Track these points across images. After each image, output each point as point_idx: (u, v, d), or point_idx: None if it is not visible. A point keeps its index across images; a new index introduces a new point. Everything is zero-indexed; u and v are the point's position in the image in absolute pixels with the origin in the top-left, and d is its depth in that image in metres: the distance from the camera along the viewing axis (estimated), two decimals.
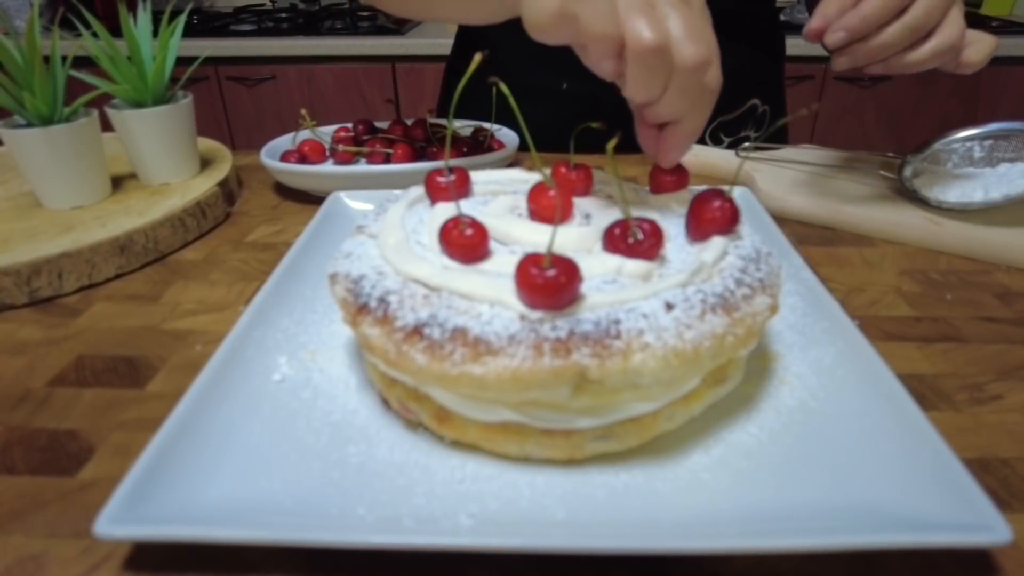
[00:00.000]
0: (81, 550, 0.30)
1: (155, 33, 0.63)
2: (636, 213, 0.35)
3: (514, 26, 0.94)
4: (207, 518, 0.28)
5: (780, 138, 0.86)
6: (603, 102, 0.81)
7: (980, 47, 0.51)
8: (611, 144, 0.33)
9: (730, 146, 0.72)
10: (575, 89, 0.82)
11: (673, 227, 0.38)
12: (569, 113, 0.73)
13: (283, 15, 2.15)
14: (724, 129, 0.71)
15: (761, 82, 0.63)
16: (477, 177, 0.44)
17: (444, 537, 0.28)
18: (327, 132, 0.75)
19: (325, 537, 0.27)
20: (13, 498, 0.33)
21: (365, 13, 2.11)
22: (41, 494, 0.33)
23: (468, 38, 0.93)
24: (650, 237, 0.33)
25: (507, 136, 0.74)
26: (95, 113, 0.60)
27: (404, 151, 0.68)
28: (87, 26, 0.61)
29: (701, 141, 0.73)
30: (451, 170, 0.41)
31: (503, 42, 0.83)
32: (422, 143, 0.71)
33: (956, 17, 0.49)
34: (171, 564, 0.29)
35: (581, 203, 0.40)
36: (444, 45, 1.72)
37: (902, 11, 0.48)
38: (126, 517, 0.27)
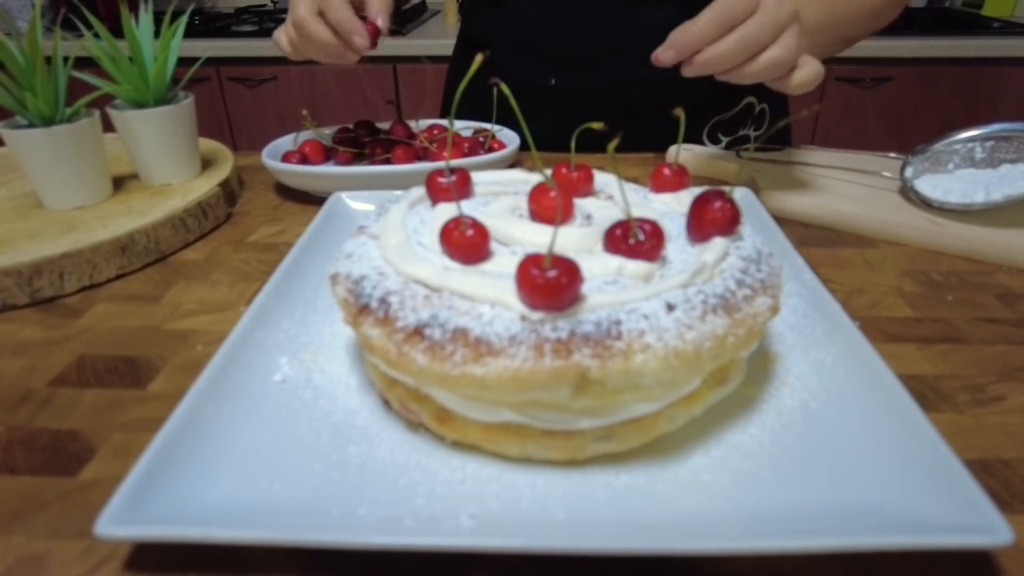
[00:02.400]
0: (82, 550, 0.30)
1: (157, 34, 0.64)
2: (637, 214, 0.35)
3: (504, 22, 0.94)
4: (208, 518, 0.28)
5: (783, 139, 0.86)
6: (593, 98, 0.82)
7: (806, 71, 0.55)
8: (612, 145, 0.33)
9: (728, 145, 0.72)
10: (563, 84, 0.82)
11: (674, 228, 0.38)
12: (560, 109, 0.73)
13: (284, 16, 2.15)
14: (722, 128, 0.71)
15: (760, 81, 0.64)
16: (478, 178, 0.44)
17: (445, 538, 0.28)
18: (328, 133, 0.75)
19: (326, 537, 0.27)
20: (14, 498, 0.33)
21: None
22: (42, 494, 0.33)
23: (466, 36, 0.94)
24: (651, 238, 0.33)
25: (508, 137, 0.74)
26: (97, 114, 0.60)
27: (405, 152, 0.68)
28: (89, 27, 0.61)
29: (698, 141, 0.73)
30: (452, 171, 0.41)
31: (497, 39, 0.84)
32: (424, 144, 0.71)
33: (788, 38, 0.53)
34: (172, 564, 0.29)
35: (582, 204, 0.40)
36: (446, 46, 1.72)
37: (733, 28, 0.53)
38: (127, 517, 0.27)
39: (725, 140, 0.72)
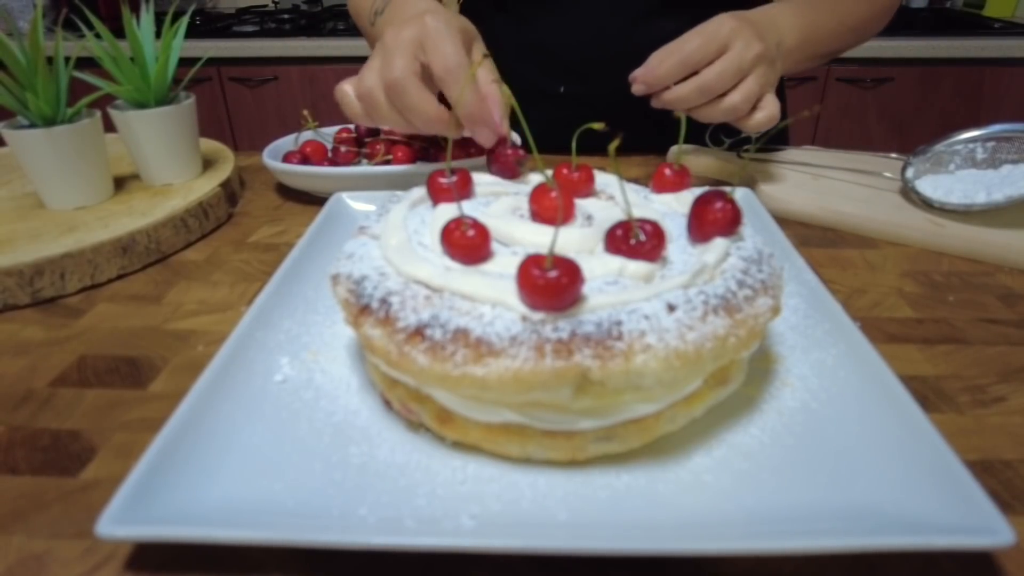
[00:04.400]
0: (83, 550, 0.30)
1: (158, 34, 0.64)
2: (638, 214, 0.35)
3: (512, 28, 0.94)
4: (209, 518, 0.28)
5: (780, 139, 0.86)
6: (600, 104, 0.82)
7: (763, 115, 0.58)
8: (613, 145, 0.33)
9: (731, 147, 0.72)
10: (572, 92, 0.82)
11: (675, 228, 0.38)
12: (567, 115, 0.73)
13: (285, 16, 2.15)
14: (724, 129, 0.71)
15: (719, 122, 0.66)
16: (479, 178, 0.44)
17: (446, 538, 0.28)
18: (329, 133, 0.75)
19: (326, 538, 0.27)
20: (15, 498, 0.33)
21: None
22: (43, 494, 0.33)
23: None
24: (652, 238, 0.33)
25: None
26: (98, 114, 0.60)
27: (406, 152, 0.68)
28: (90, 27, 0.61)
29: (701, 142, 0.73)
30: (453, 171, 0.41)
31: (501, 45, 0.83)
32: (425, 145, 0.71)
33: (750, 83, 0.56)
34: (173, 564, 0.29)
35: (583, 204, 0.40)
36: None
37: (699, 70, 0.56)
38: (128, 517, 0.27)
39: (727, 141, 0.72)
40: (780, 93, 0.91)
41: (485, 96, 0.50)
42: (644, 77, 0.57)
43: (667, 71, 0.56)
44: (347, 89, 0.54)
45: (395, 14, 0.64)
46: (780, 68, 0.62)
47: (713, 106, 0.57)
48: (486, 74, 0.51)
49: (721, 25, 0.56)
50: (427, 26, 0.49)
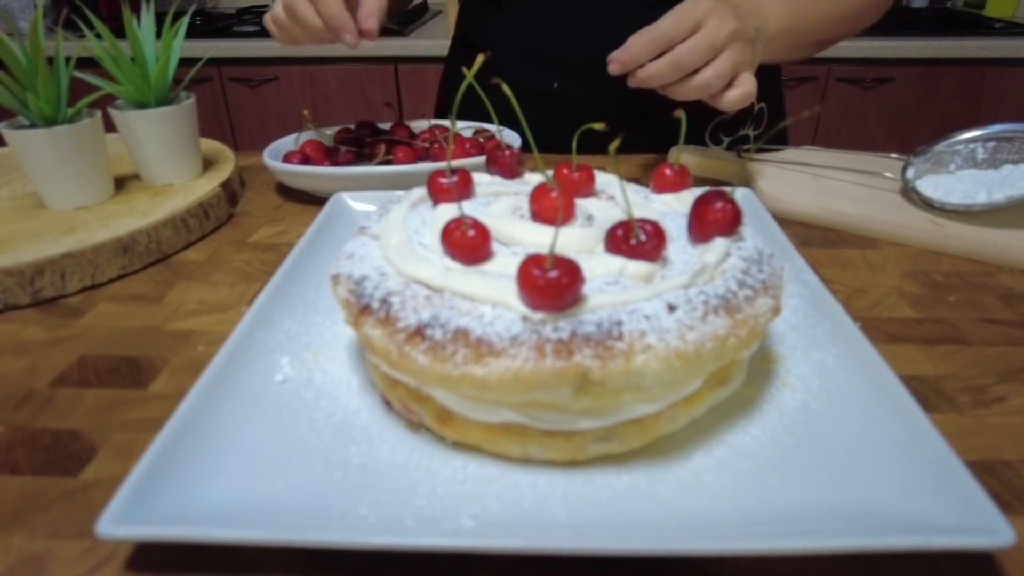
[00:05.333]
0: (83, 550, 0.30)
1: (158, 34, 0.64)
2: (638, 214, 0.35)
3: (507, 27, 0.94)
4: (209, 518, 0.29)
5: (779, 139, 0.86)
6: (593, 100, 0.82)
7: (738, 92, 0.58)
8: (613, 145, 0.33)
9: (730, 145, 0.72)
10: (565, 88, 0.82)
11: (675, 228, 0.38)
12: (560, 112, 0.74)
13: None
14: (723, 128, 0.71)
15: (759, 79, 0.66)
16: (479, 178, 0.44)
17: (446, 538, 0.28)
18: (330, 133, 0.75)
19: (327, 538, 0.27)
20: (16, 498, 0.33)
21: None
22: (44, 494, 0.33)
23: (465, 40, 0.94)
24: (652, 238, 0.33)
25: (509, 138, 0.74)
26: (98, 114, 0.60)
27: (406, 152, 0.68)
28: (91, 27, 0.61)
29: (701, 141, 0.73)
30: (453, 171, 0.41)
31: (497, 42, 0.84)
32: (425, 145, 0.71)
33: (723, 60, 0.57)
34: (173, 564, 0.29)
35: (583, 204, 0.40)
36: (446, 46, 1.72)
37: (672, 47, 0.56)
38: (128, 517, 0.27)
39: (727, 140, 0.72)
40: (777, 91, 0.91)
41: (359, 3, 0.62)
42: (619, 56, 0.58)
43: (640, 49, 0.57)
44: (267, 17, 0.66)
45: None
46: (762, 51, 0.62)
47: (686, 83, 0.57)
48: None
49: (696, 4, 0.57)
50: None
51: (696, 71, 0.57)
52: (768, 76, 0.88)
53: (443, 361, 0.29)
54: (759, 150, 0.73)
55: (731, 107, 0.59)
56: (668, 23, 0.56)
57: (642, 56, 0.57)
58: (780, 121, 0.40)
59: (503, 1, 0.84)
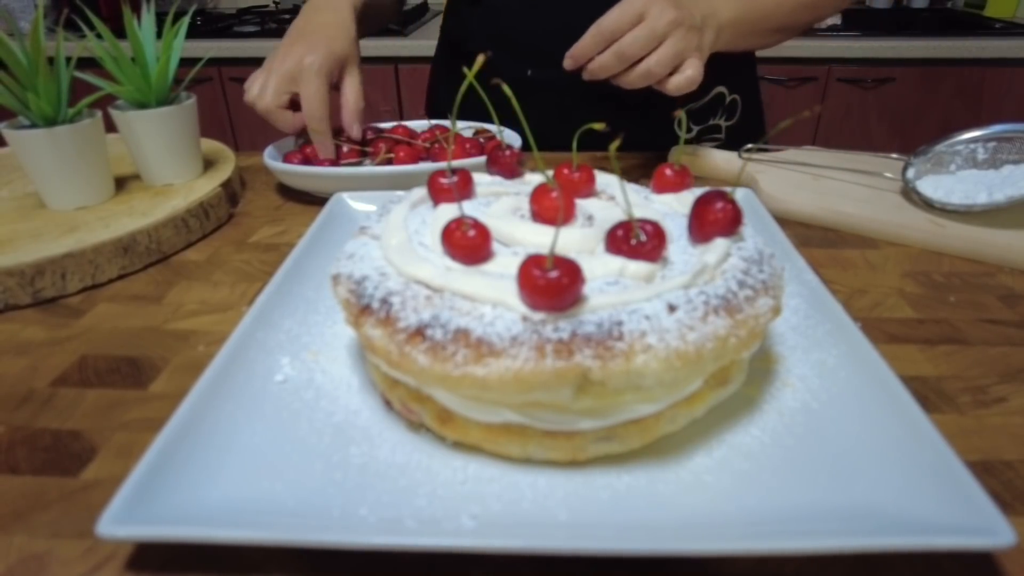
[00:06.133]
0: (84, 550, 0.30)
1: (159, 34, 0.64)
2: (639, 214, 0.35)
3: (484, 20, 0.94)
4: (209, 518, 0.29)
5: (759, 130, 0.90)
6: (571, 89, 0.82)
7: (682, 77, 0.61)
8: (614, 145, 0.33)
9: (699, 134, 0.72)
10: (540, 76, 0.83)
11: (676, 228, 0.38)
12: (536, 99, 0.74)
13: (287, 16, 2.15)
14: (692, 117, 0.71)
15: (732, 71, 0.67)
16: (480, 178, 0.44)
17: (446, 538, 0.28)
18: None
19: (327, 538, 0.27)
20: (16, 498, 0.33)
21: None
22: (44, 494, 0.33)
23: (446, 35, 0.96)
24: (653, 238, 0.33)
25: (509, 137, 0.74)
26: (99, 114, 0.61)
27: (407, 152, 0.68)
28: (91, 27, 0.61)
29: (669, 129, 0.73)
30: (454, 171, 0.41)
31: (474, 35, 0.85)
32: (426, 145, 0.71)
33: (666, 47, 0.59)
34: (173, 564, 0.30)
35: (584, 204, 0.40)
36: None
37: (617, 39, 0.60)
38: (129, 517, 0.27)
39: (696, 129, 0.72)
40: (752, 84, 0.92)
41: (345, 107, 0.69)
42: (571, 52, 0.62)
43: (588, 43, 0.61)
44: (250, 86, 0.68)
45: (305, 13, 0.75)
46: (713, 38, 0.64)
47: (630, 71, 0.61)
48: (354, 94, 0.69)
49: None
50: (303, 64, 0.65)
51: (640, 60, 0.60)
52: (742, 68, 0.88)
53: (443, 361, 0.29)
54: (760, 150, 0.73)
55: (676, 91, 0.61)
56: (612, 17, 0.60)
57: (590, 50, 0.61)
58: (781, 122, 0.40)
59: None
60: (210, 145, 0.76)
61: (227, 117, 2.02)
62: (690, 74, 0.60)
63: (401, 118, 0.77)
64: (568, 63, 0.63)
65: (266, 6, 2.32)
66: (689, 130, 0.72)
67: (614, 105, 0.74)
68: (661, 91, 0.62)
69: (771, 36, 0.75)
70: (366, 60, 0.58)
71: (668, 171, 0.43)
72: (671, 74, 0.61)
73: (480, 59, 0.37)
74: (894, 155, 0.70)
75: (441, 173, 0.41)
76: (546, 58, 0.82)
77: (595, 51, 0.61)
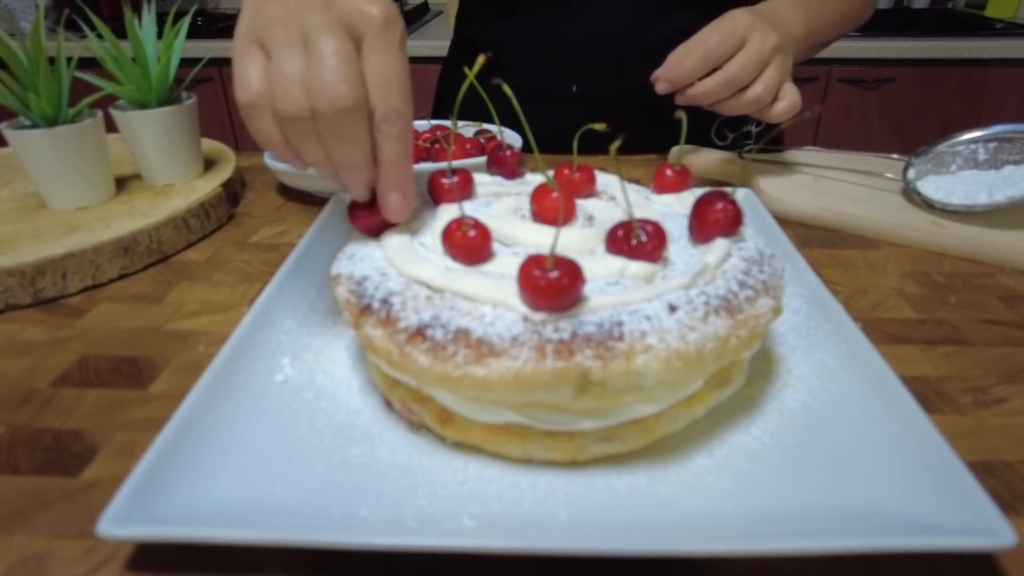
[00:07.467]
0: (84, 550, 0.30)
1: (160, 34, 0.64)
2: (639, 215, 0.35)
3: (522, 30, 0.93)
4: (210, 519, 0.29)
5: (776, 139, 0.87)
6: (612, 101, 0.81)
7: (785, 104, 0.60)
8: (614, 146, 0.33)
9: (733, 141, 0.73)
10: (585, 91, 0.82)
11: (676, 229, 0.38)
12: (581, 114, 0.74)
13: None
14: (727, 125, 0.71)
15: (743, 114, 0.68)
16: (480, 179, 0.44)
17: (447, 538, 0.28)
18: None
19: (328, 538, 0.27)
20: (16, 498, 0.33)
21: None
22: (44, 494, 0.33)
23: (469, 42, 0.93)
24: (653, 239, 0.33)
25: (510, 138, 0.74)
26: (100, 114, 0.61)
27: None
28: (92, 27, 0.61)
29: (707, 140, 0.73)
30: (454, 171, 0.41)
31: (508, 45, 0.83)
32: (426, 145, 0.71)
33: (770, 72, 0.58)
34: (174, 564, 0.29)
35: (584, 205, 0.40)
36: (446, 47, 1.72)
37: (722, 64, 0.57)
38: (129, 517, 0.27)
39: (731, 136, 0.72)
40: None
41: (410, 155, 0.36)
42: (667, 75, 0.59)
43: (691, 67, 0.58)
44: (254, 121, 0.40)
45: None
46: (792, 59, 0.64)
47: (737, 98, 0.59)
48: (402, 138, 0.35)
49: (738, 20, 0.58)
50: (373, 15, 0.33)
51: (746, 86, 0.58)
52: None
53: (444, 361, 0.29)
54: (760, 151, 0.73)
55: (780, 119, 0.60)
56: (715, 40, 0.57)
57: (694, 74, 0.58)
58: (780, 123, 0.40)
59: (520, 3, 0.83)
60: (210, 145, 0.76)
61: (228, 117, 2.02)
62: (792, 99, 0.60)
63: None
64: (663, 87, 0.60)
65: None
66: (725, 138, 0.73)
67: (656, 117, 0.72)
68: (761, 119, 0.61)
69: (817, 51, 0.75)
70: None
71: (669, 171, 0.43)
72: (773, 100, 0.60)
73: (480, 59, 0.37)
74: (895, 155, 0.70)
75: (442, 173, 0.41)
76: (591, 72, 0.81)
77: (698, 75, 0.58)
